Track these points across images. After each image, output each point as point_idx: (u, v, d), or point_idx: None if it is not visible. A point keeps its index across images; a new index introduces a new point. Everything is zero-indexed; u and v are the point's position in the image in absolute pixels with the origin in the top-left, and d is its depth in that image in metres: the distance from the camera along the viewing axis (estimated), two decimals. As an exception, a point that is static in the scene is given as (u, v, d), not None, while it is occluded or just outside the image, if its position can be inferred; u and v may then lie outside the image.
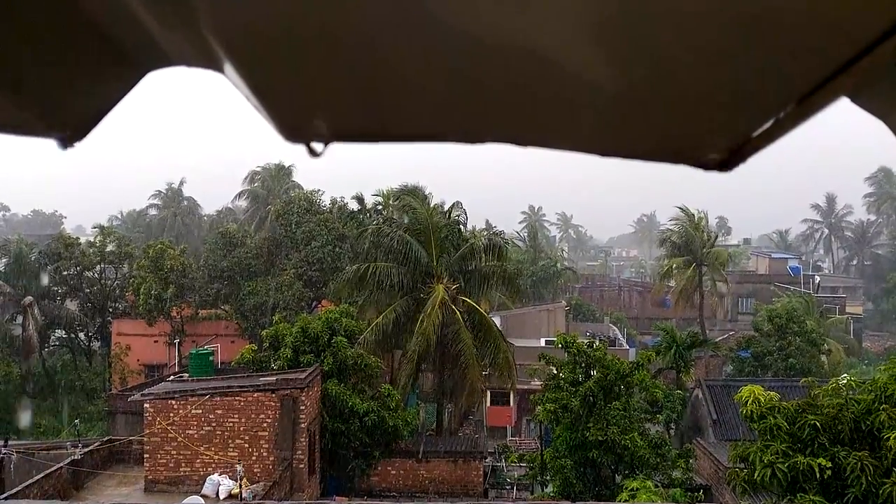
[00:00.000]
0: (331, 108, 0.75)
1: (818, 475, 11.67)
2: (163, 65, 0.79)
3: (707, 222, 50.98)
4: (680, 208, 50.10)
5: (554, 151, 0.77)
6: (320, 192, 44.89)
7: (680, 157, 0.76)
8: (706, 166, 0.76)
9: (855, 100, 0.75)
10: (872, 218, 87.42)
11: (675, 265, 48.11)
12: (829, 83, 0.66)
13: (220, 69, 0.72)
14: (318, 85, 0.72)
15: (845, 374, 15.81)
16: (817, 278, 65.39)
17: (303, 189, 52.32)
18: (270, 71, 0.71)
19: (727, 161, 0.76)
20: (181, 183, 75.58)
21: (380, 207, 38.70)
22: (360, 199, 40.61)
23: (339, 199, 41.65)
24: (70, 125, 0.84)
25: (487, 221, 46.75)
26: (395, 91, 0.72)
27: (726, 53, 0.64)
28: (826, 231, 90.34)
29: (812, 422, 12.18)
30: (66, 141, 0.85)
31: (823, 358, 38.96)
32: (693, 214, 49.26)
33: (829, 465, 11.71)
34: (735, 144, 0.74)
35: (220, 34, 0.68)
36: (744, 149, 0.74)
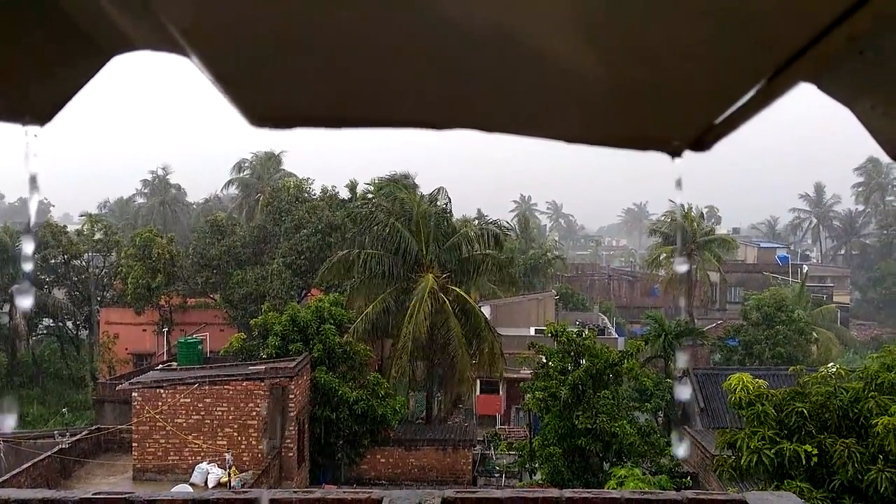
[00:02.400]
0: (296, 93, 0.74)
1: (804, 462, 11.77)
2: (127, 49, 0.77)
3: (701, 214, 51.09)
4: (672, 201, 50.22)
5: (520, 138, 0.77)
6: (310, 181, 44.73)
7: (646, 144, 0.77)
8: (672, 152, 0.76)
9: (821, 87, 0.76)
10: (861, 207, 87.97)
11: (663, 254, 48.23)
12: (788, 69, 0.66)
13: (184, 53, 0.70)
14: (283, 69, 0.71)
15: (832, 363, 15.93)
16: (805, 268, 65.78)
17: (296, 177, 52.15)
18: (233, 55, 0.70)
19: (693, 147, 0.76)
20: (167, 171, 75.11)
21: (370, 196, 38.57)
22: (352, 187, 40.46)
23: (329, 188, 41.47)
24: (34, 110, 0.83)
25: (479, 210, 46.82)
26: (361, 76, 0.71)
27: (685, 41, 0.65)
28: (814, 220, 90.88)
29: (799, 409, 12.27)
30: (31, 125, 0.84)
31: (813, 347, 39.24)
32: (683, 205, 49.36)
33: (816, 451, 11.81)
34: (699, 131, 0.74)
35: (180, 18, 0.66)
36: (708, 135, 0.74)
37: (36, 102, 0.82)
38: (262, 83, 0.72)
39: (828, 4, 0.61)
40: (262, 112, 0.74)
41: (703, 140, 0.75)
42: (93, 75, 0.81)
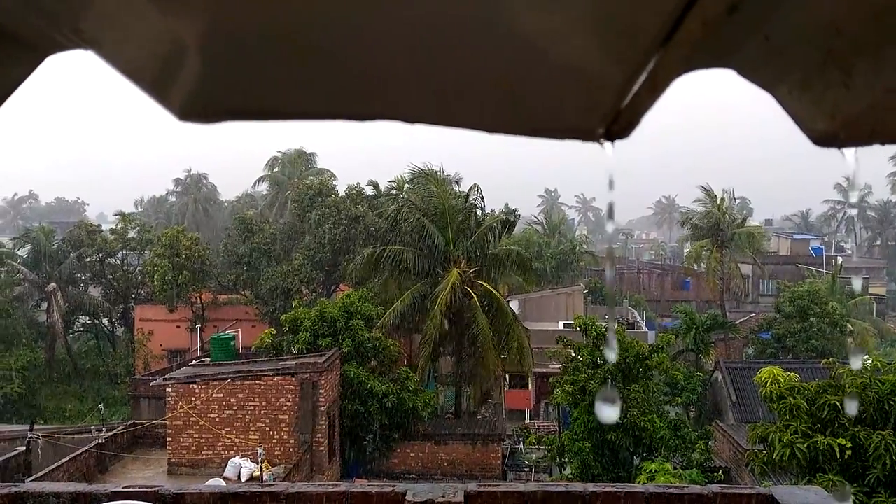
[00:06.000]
0: (219, 86, 0.74)
1: (838, 455, 11.59)
2: (58, 49, 0.78)
3: (733, 202, 50.18)
4: (703, 188, 49.30)
5: (444, 128, 0.78)
6: (334, 178, 45.02)
7: (561, 133, 0.78)
8: (589, 140, 0.77)
9: (740, 73, 0.76)
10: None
11: (702, 247, 47.30)
12: (669, 45, 0.67)
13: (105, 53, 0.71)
14: (200, 62, 0.71)
15: (867, 355, 15.63)
16: (840, 259, 64.59)
17: (329, 172, 52.60)
18: (142, 50, 0.70)
19: (608, 135, 0.77)
20: (201, 173, 76.01)
21: (394, 192, 38.71)
22: (375, 185, 40.76)
23: (355, 185, 41.72)
24: None
25: (507, 205, 46.62)
26: (280, 67, 0.71)
27: (568, 27, 0.66)
28: (848, 211, 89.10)
29: (832, 402, 12.09)
30: None
31: (848, 339, 38.53)
32: (716, 195, 48.58)
33: (850, 445, 11.62)
34: (608, 118, 0.75)
35: (70, 16, 0.66)
36: (619, 122, 0.75)
37: None
38: (181, 77, 0.72)
39: None
40: (186, 106, 0.74)
41: (615, 127, 0.76)
42: (25, 77, 0.82)
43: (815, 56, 0.73)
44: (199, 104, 0.74)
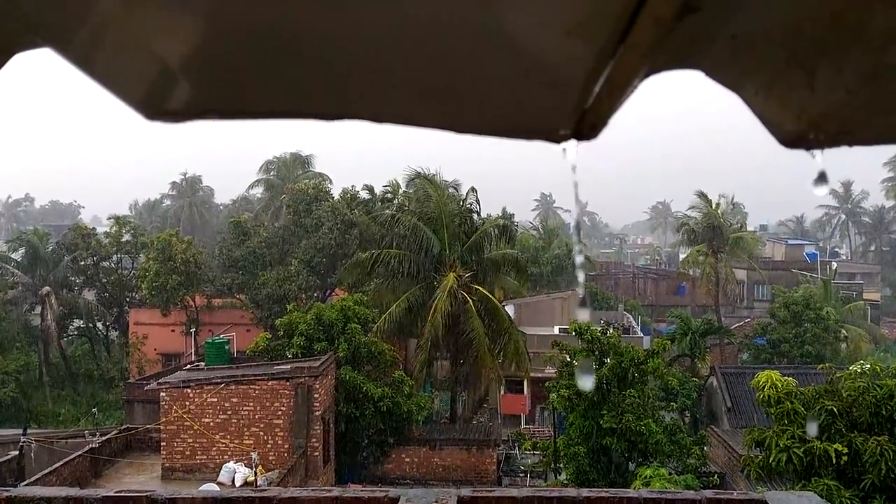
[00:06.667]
0: (180, 86, 0.73)
1: (834, 460, 11.59)
2: (26, 47, 0.76)
3: (731, 206, 50.26)
4: (698, 195, 49.41)
5: (412, 128, 0.77)
6: (329, 181, 45.00)
7: (529, 134, 0.78)
8: (556, 141, 0.77)
9: (708, 74, 0.76)
10: (890, 203, 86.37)
11: (699, 251, 47.33)
12: (625, 45, 0.67)
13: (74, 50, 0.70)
14: (165, 62, 0.70)
15: (861, 360, 15.66)
16: (834, 264, 64.80)
17: (325, 176, 52.59)
18: (112, 49, 0.69)
19: (575, 136, 0.77)
20: (199, 179, 75.88)
21: (389, 196, 38.70)
22: (370, 189, 40.77)
23: (350, 188, 41.71)
24: None
25: (504, 210, 46.64)
26: (247, 66, 0.71)
27: (526, 28, 0.66)
28: (843, 217, 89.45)
29: (829, 407, 12.09)
30: None
31: (843, 345, 38.62)
32: (711, 200, 48.65)
33: (846, 450, 11.63)
34: (574, 118, 0.75)
35: (34, 16, 0.65)
36: (584, 123, 0.75)
37: None
38: (146, 77, 0.71)
39: None
40: (152, 106, 0.73)
41: (581, 128, 0.75)
42: None
43: (779, 57, 0.73)
44: (164, 104, 0.73)
